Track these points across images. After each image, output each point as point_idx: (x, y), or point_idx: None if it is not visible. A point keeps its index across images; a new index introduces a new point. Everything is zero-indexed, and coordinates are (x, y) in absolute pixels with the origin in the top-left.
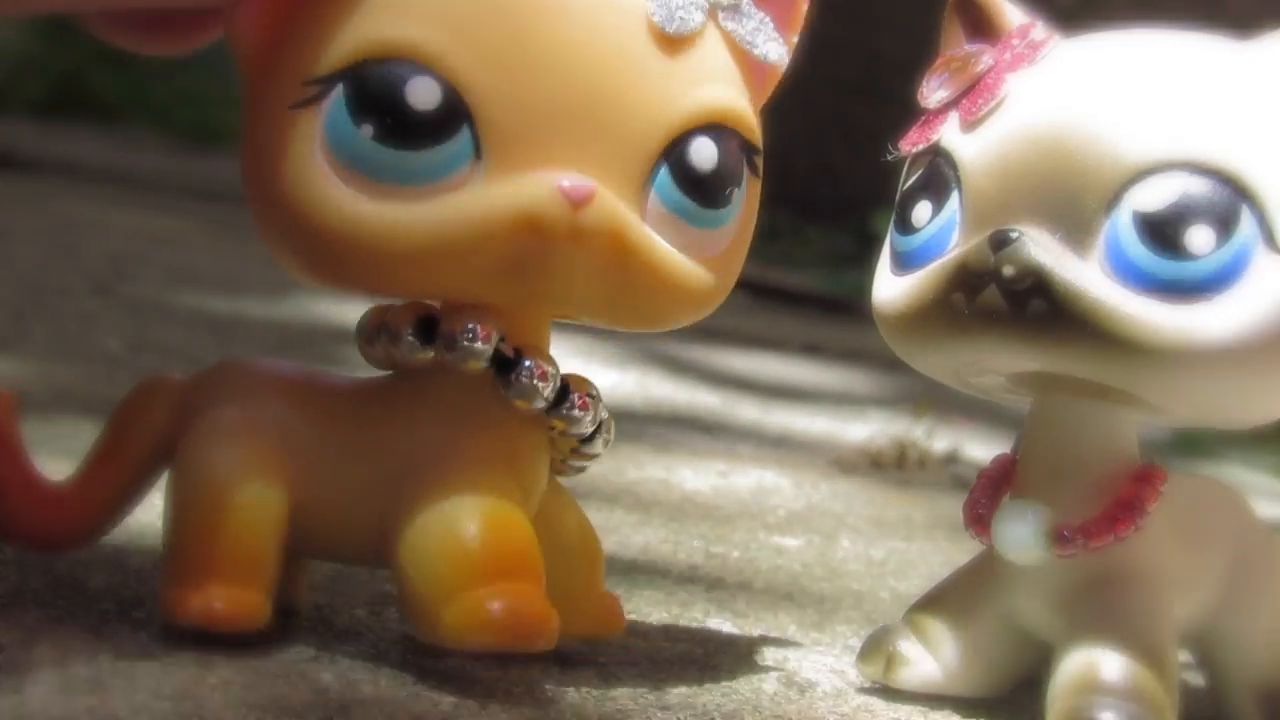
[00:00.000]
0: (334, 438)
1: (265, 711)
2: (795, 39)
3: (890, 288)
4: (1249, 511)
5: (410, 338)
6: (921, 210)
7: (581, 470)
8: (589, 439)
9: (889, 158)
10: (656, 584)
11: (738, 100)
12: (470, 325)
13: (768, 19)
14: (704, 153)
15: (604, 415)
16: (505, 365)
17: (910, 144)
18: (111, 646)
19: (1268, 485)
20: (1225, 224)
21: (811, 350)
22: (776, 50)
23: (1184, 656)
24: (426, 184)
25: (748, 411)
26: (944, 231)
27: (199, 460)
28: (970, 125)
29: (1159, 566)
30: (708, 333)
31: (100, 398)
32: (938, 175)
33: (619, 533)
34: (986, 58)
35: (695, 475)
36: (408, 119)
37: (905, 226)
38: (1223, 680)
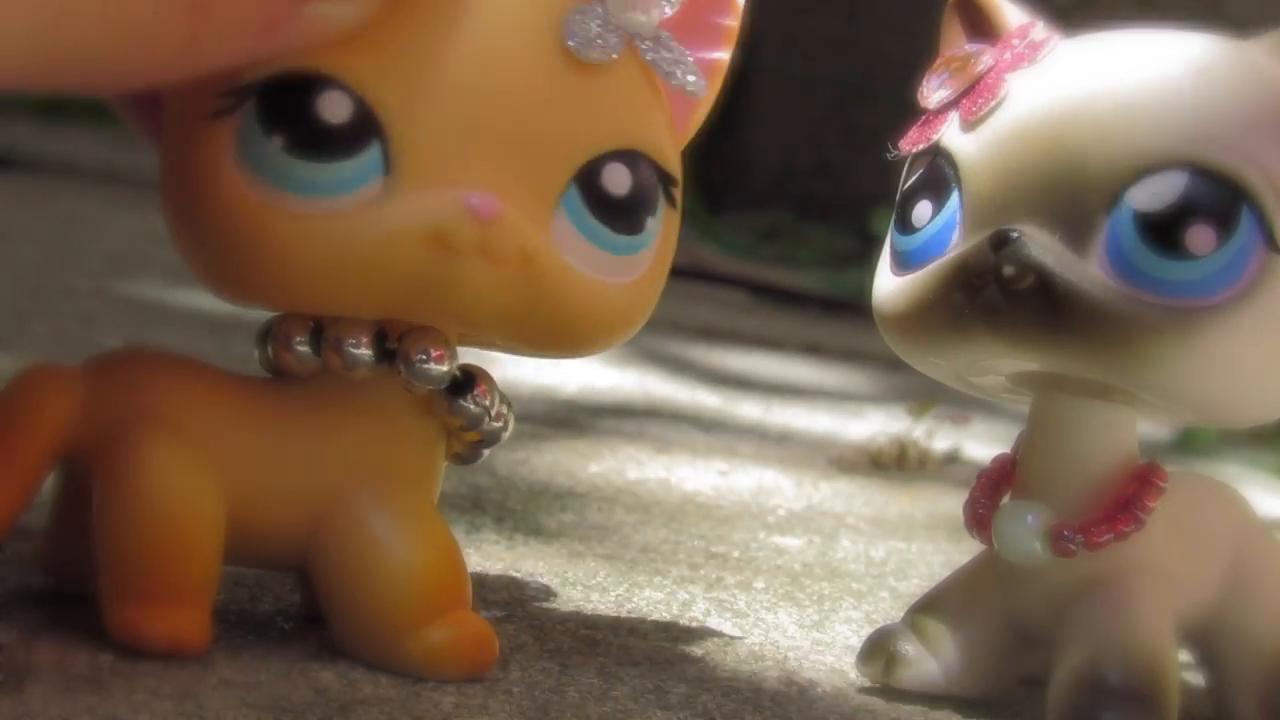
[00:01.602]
0: (262, 444)
1: (265, 711)
2: (727, 57)
3: (890, 287)
4: (1249, 511)
5: (355, 349)
6: (921, 210)
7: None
8: (491, 442)
9: (889, 157)
10: (656, 584)
11: (654, 129)
12: (426, 349)
13: (688, 52)
14: (616, 177)
15: (510, 419)
16: (456, 387)
17: (910, 144)
18: (111, 647)
19: (1268, 485)
20: (1225, 224)
21: (811, 350)
22: (696, 82)
23: (1184, 656)
24: (333, 197)
25: (748, 411)
26: (944, 231)
27: (141, 475)
28: (970, 125)
29: (1159, 566)
30: (708, 332)
31: None
32: (938, 175)
33: (619, 533)
34: (986, 58)
35: (695, 475)
36: (317, 131)
37: (905, 226)
38: (1223, 680)
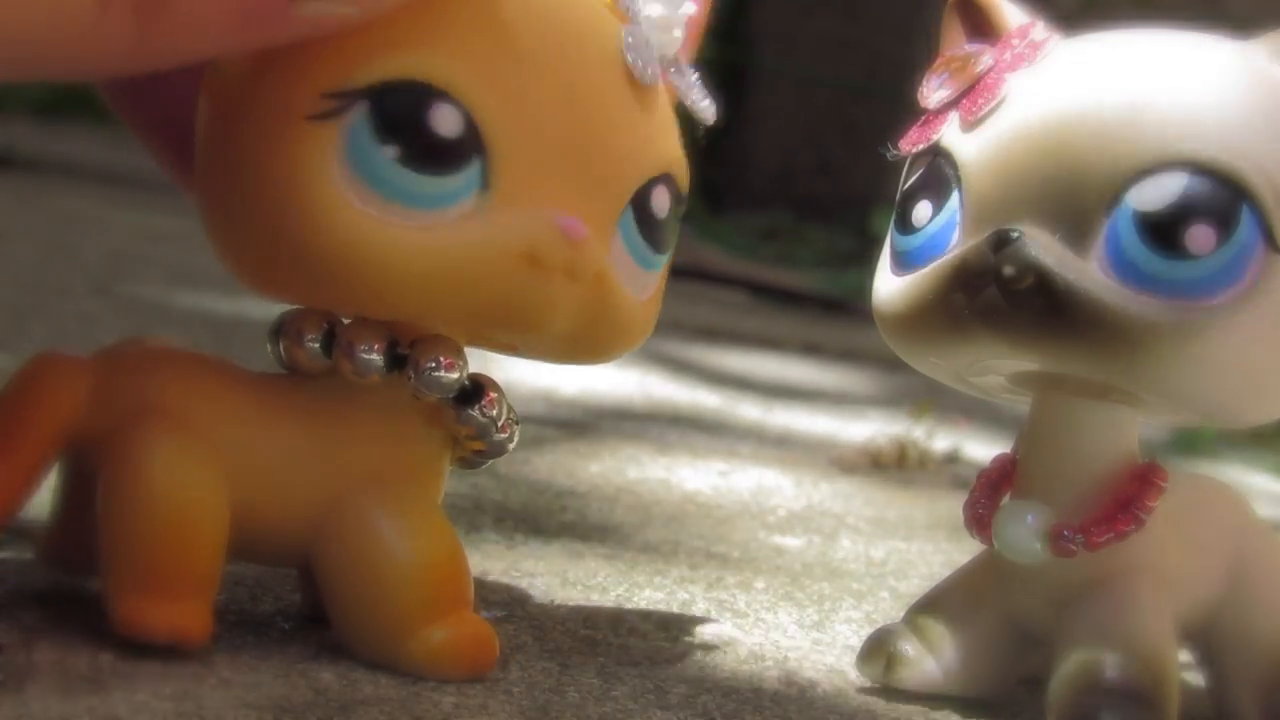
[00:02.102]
0: (269, 439)
1: (265, 711)
2: (692, 55)
3: (890, 287)
4: (1249, 511)
5: (367, 355)
6: (921, 210)
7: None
8: (497, 452)
9: (889, 157)
10: (656, 584)
11: (679, 152)
12: (437, 357)
13: (698, 77)
14: (661, 200)
15: (516, 429)
16: (465, 396)
17: (910, 144)
18: (111, 646)
19: (1268, 485)
20: (1225, 224)
21: (811, 350)
22: (709, 107)
23: (1184, 656)
24: (436, 211)
25: (748, 411)
26: (944, 231)
27: (148, 467)
28: (970, 125)
29: (1159, 566)
30: (708, 332)
31: None
32: (938, 175)
33: (619, 533)
34: (986, 58)
35: (695, 475)
36: (432, 144)
37: (905, 226)
38: (1223, 680)
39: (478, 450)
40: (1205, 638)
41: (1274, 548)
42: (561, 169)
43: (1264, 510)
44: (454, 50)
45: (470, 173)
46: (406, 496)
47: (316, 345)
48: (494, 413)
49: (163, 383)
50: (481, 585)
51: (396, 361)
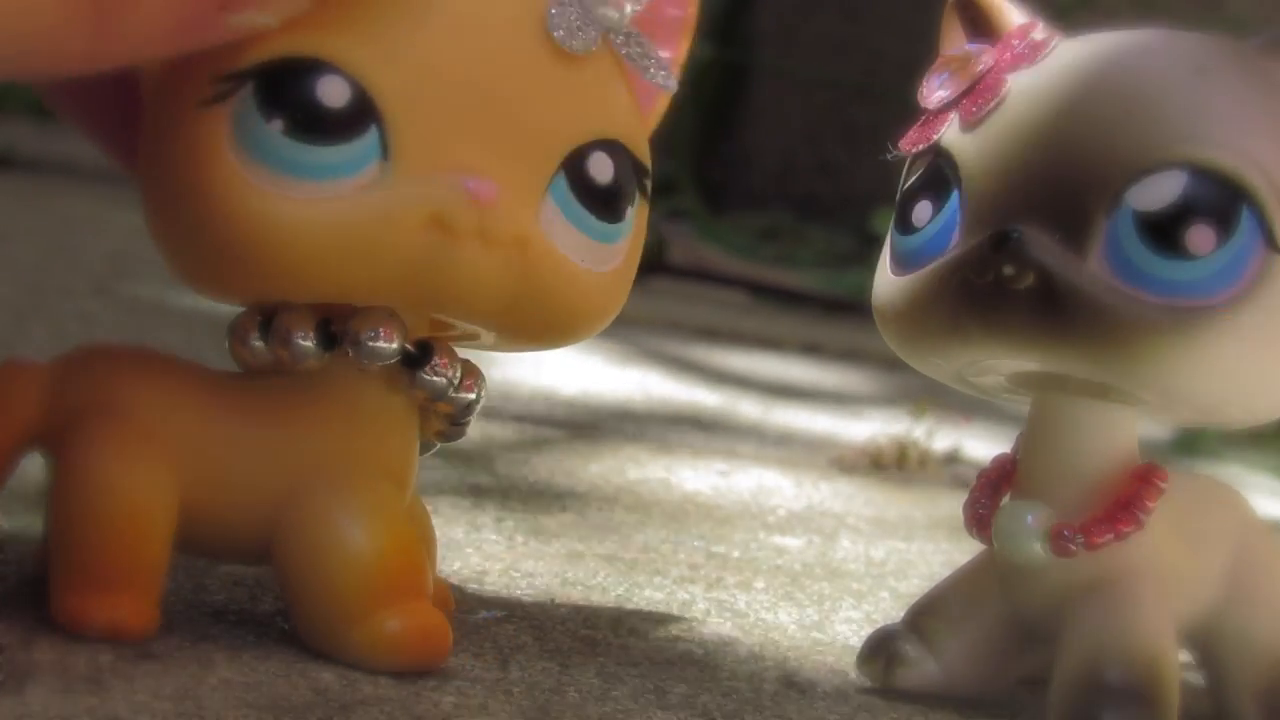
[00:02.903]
0: (222, 435)
1: (265, 711)
2: (686, 48)
3: (890, 288)
4: (1249, 511)
5: (303, 341)
6: (922, 210)
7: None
8: (466, 412)
9: (889, 157)
10: (656, 584)
11: (630, 121)
12: (375, 327)
13: (655, 47)
14: (600, 166)
15: (482, 385)
16: (413, 360)
17: (910, 144)
18: (111, 647)
19: (1268, 485)
20: (1225, 224)
21: (811, 350)
22: (666, 77)
23: (1184, 656)
24: (333, 181)
25: (748, 411)
26: (944, 231)
27: (91, 464)
28: (970, 125)
29: (1159, 566)
30: (708, 332)
31: None
32: (938, 175)
33: (619, 533)
34: (986, 58)
35: (695, 475)
36: (317, 114)
37: (905, 226)
38: (1223, 680)
39: (448, 415)
40: (1205, 638)
41: (1274, 548)
42: (469, 134)
43: (1264, 510)
44: (344, 26)
45: (366, 142)
46: (362, 487)
47: (260, 343)
48: (449, 373)
49: (112, 382)
50: (481, 585)
51: (331, 341)
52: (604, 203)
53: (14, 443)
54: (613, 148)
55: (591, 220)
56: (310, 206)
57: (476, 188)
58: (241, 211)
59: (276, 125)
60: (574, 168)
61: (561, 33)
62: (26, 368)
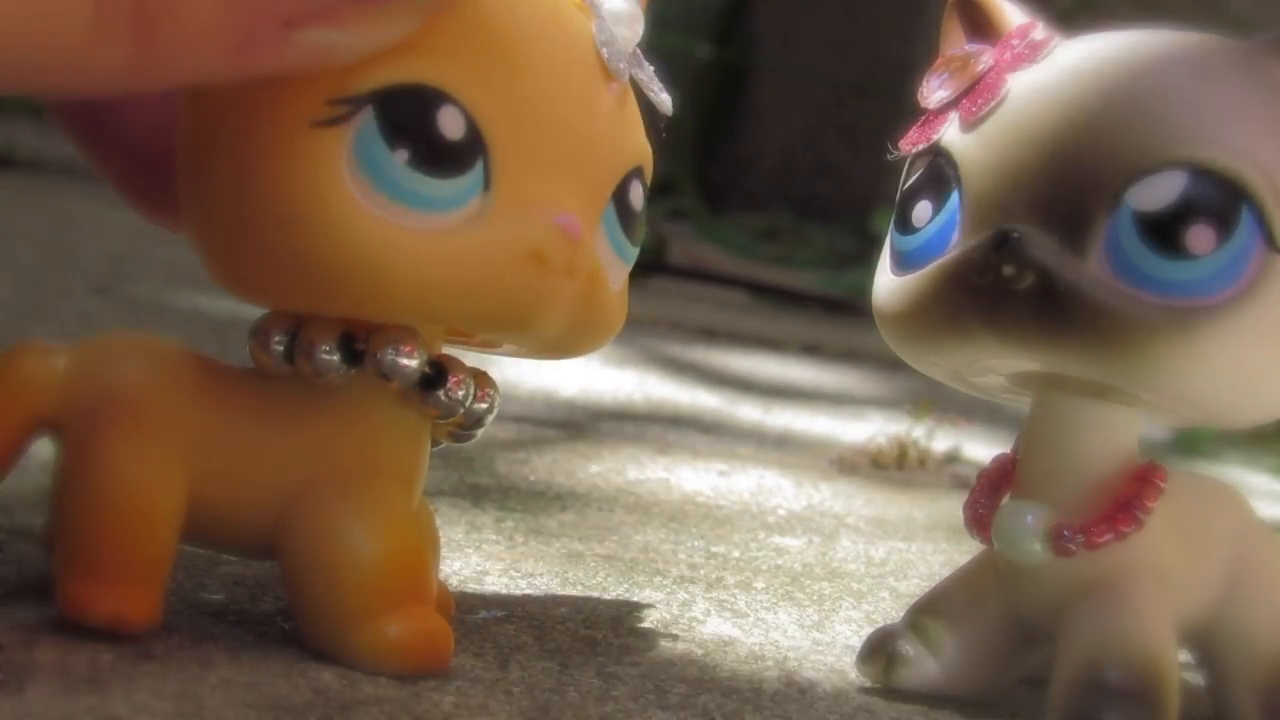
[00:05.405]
0: (235, 431)
1: (265, 711)
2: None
3: (890, 287)
4: (1249, 511)
5: (326, 355)
6: (921, 210)
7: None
8: (478, 423)
9: (889, 157)
10: (656, 584)
11: (647, 145)
12: (397, 344)
13: (653, 69)
14: (637, 193)
15: (495, 395)
16: (428, 382)
17: (910, 144)
18: (111, 646)
19: (1268, 485)
20: (1225, 224)
21: (811, 350)
22: (667, 100)
23: (1184, 656)
24: (442, 213)
25: (748, 411)
26: (944, 231)
27: (101, 452)
28: (970, 125)
29: (1159, 566)
30: (708, 333)
31: None
32: (938, 175)
33: (619, 533)
34: (986, 58)
35: (695, 475)
36: (440, 146)
37: (905, 226)
38: (1223, 680)
39: (459, 424)
40: (1205, 638)
41: (1274, 549)
42: (556, 167)
43: (1264, 510)
44: (450, 54)
45: (474, 175)
46: (371, 490)
47: (281, 349)
48: (459, 394)
49: (129, 374)
50: (481, 585)
51: (355, 357)
52: (635, 227)
53: (24, 426)
54: (641, 173)
55: (626, 246)
56: (422, 238)
57: (568, 224)
58: (357, 238)
59: (401, 155)
60: (620, 197)
61: (611, 58)
62: (40, 350)
